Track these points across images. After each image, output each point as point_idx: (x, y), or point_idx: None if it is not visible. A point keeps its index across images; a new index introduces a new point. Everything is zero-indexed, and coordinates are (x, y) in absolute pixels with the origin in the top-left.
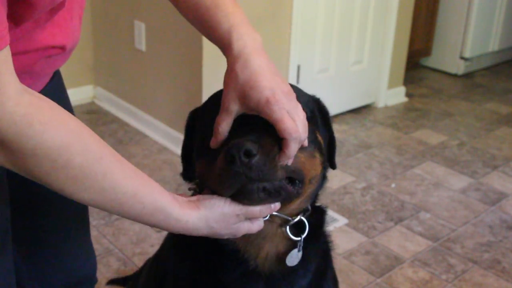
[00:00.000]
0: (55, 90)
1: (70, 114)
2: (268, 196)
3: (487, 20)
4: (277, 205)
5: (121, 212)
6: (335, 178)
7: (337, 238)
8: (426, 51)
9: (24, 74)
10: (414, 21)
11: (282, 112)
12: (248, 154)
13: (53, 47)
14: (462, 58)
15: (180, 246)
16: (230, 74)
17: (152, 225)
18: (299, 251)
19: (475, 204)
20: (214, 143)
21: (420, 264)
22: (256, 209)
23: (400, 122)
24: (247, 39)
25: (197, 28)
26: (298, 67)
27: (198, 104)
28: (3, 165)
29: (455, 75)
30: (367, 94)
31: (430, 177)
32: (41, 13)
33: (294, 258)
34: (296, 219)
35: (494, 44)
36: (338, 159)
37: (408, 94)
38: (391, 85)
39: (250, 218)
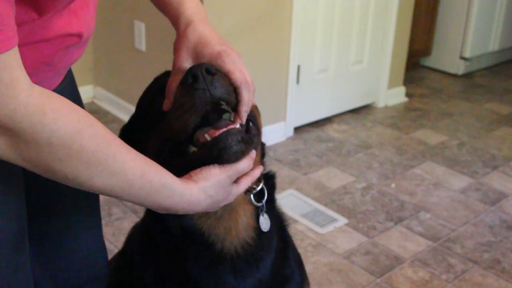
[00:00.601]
0: (69, 88)
1: (75, 104)
2: (243, 144)
3: (487, 20)
4: (254, 152)
5: (130, 194)
6: (335, 178)
7: (337, 238)
8: (426, 51)
9: (44, 65)
10: (414, 21)
11: (233, 65)
12: (209, 72)
13: (71, 35)
14: (462, 58)
15: (145, 250)
16: (182, 39)
17: (157, 204)
18: (263, 215)
19: (475, 204)
20: (167, 104)
21: (420, 264)
22: (241, 164)
23: (400, 122)
24: (196, 11)
25: (154, 2)
26: (298, 67)
27: None
28: (14, 161)
29: (455, 75)
30: (367, 94)
31: (430, 177)
32: (62, 4)
33: (264, 223)
34: (260, 186)
35: (494, 44)
36: (338, 159)
37: (408, 94)
38: (391, 85)
39: (237, 180)
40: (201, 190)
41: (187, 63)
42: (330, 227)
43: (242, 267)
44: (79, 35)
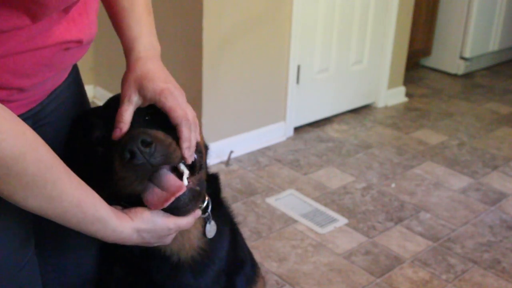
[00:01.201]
0: (72, 86)
1: (26, 124)
2: (193, 202)
3: (487, 20)
4: (198, 211)
5: (62, 220)
6: (335, 178)
7: (337, 238)
8: (426, 51)
9: (44, 67)
10: (414, 21)
11: (174, 102)
12: (145, 143)
13: (70, 41)
14: (462, 58)
15: (109, 259)
16: (130, 71)
17: (89, 234)
18: (209, 223)
19: (475, 204)
20: (118, 133)
21: (420, 264)
22: (183, 221)
23: (400, 122)
24: (149, 47)
25: (111, 21)
26: (298, 67)
27: (198, 105)
28: None
29: (455, 75)
30: (367, 94)
31: (430, 177)
32: (55, 12)
33: (211, 230)
34: (205, 203)
35: (494, 44)
36: (338, 159)
37: (408, 94)
38: (391, 85)
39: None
40: (134, 230)
41: (134, 95)
42: (330, 227)
43: (200, 268)
44: (79, 41)
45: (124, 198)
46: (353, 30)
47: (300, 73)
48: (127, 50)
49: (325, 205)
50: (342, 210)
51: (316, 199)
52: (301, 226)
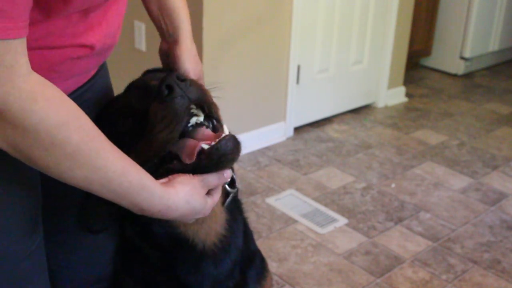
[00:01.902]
0: (98, 85)
1: (65, 95)
2: (236, 150)
3: (487, 20)
4: (229, 172)
5: (109, 191)
6: (335, 178)
7: (337, 238)
8: (426, 51)
9: (52, 73)
10: (414, 21)
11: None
12: (181, 79)
13: (82, 46)
14: (462, 58)
15: (128, 266)
16: (186, 49)
17: (135, 205)
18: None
19: (475, 204)
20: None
21: (420, 264)
22: (213, 177)
23: (400, 122)
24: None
25: (153, 15)
26: (298, 67)
27: None
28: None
29: (455, 75)
30: (367, 94)
31: (430, 177)
32: (74, 11)
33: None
34: (235, 190)
35: (494, 44)
36: (338, 159)
37: (408, 94)
38: (391, 85)
39: (210, 192)
40: (180, 195)
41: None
42: (330, 227)
43: (221, 257)
44: (92, 47)
45: (159, 156)
46: (353, 30)
47: (300, 73)
48: (175, 29)
49: (325, 205)
50: (342, 210)
51: (316, 199)
52: (301, 226)
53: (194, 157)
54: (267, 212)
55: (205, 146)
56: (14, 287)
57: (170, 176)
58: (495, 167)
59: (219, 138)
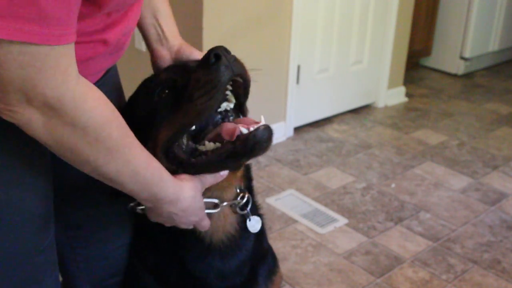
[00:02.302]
0: (105, 86)
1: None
2: (269, 141)
3: (487, 20)
4: (226, 172)
5: (134, 182)
6: (335, 178)
7: (337, 238)
8: (426, 51)
9: None
10: (414, 21)
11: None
12: (227, 52)
13: (98, 41)
14: (462, 58)
15: (142, 249)
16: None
17: (150, 195)
18: (249, 220)
19: (475, 204)
20: None
21: (420, 264)
22: (210, 177)
23: (400, 122)
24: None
25: (145, 22)
26: (298, 67)
27: None
28: (42, 139)
29: (455, 75)
30: (367, 94)
31: (430, 177)
32: (103, 13)
33: (255, 225)
34: (245, 199)
35: (494, 44)
36: (338, 159)
37: (408, 94)
38: (391, 85)
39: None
40: (188, 187)
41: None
42: (330, 227)
43: (228, 253)
44: (104, 42)
45: (199, 122)
46: (353, 30)
47: (300, 73)
48: (165, 44)
49: (325, 205)
50: (342, 210)
51: (316, 199)
52: (301, 226)
53: (234, 137)
54: (267, 212)
55: (244, 131)
56: (26, 282)
57: (183, 175)
58: (495, 167)
59: (258, 125)
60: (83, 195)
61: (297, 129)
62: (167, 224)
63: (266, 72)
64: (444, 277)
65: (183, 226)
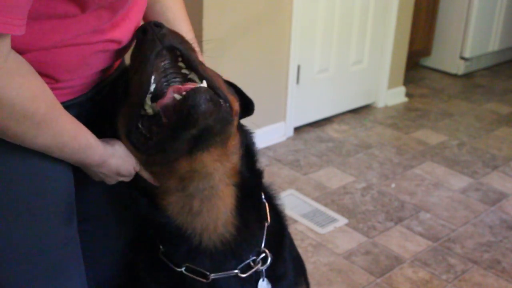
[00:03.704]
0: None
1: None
2: (212, 103)
3: (487, 20)
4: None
5: (62, 152)
6: (335, 178)
7: (337, 238)
8: (426, 51)
9: (85, 66)
10: (414, 21)
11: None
12: (158, 25)
13: (112, 41)
14: (462, 58)
15: (137, 249)
16: None
17: (78, 161)
18: (263, 280)
19: (475, 204)
20: None
21: (420, 264)
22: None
23: (400, 122)
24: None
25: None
26: (298, 67)
27: None
28: None
29: (455, 75)
30: (367, 94)
31: (430, 177)
32: (105, 3)
33: (263, 286)
34: (262, 255)
35: (494, 44)
36: (338, 159)
37: (408, 94)
38: (391, 85)
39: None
40: (111, 155)
41: None
42: (330, 227)
43: (221, 261)
44: (119, 42)
45: (139, 108)
46: (353, 30)
47: (300, 73)
48: None
49: (325, 205)
50: (342, 210)
51: (316, 199)
52: (301, 226)
53: (172, 114)
54: None
55: (178, 97)
56: (51, 275)
57: (113, 139)
58: (495, 167)
59: (189, 88)
60: (85, 189)
61: (297, 129)
62: (108, 182)
63: (266, 72)
64: (444, 277)
65: (112, 182)
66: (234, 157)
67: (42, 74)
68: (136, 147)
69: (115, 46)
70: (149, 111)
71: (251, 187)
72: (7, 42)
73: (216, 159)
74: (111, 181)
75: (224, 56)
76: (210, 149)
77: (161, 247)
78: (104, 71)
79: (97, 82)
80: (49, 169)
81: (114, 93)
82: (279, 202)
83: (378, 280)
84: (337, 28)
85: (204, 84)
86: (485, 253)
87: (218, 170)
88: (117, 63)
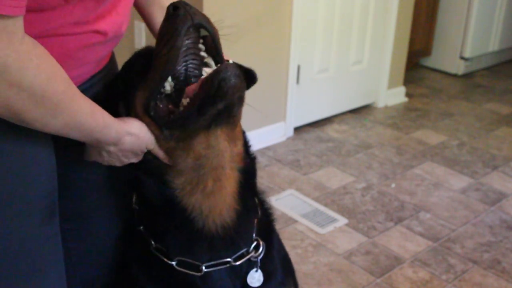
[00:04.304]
0: (109, 76)
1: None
2: (239, 79)
3: (487, 20)
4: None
5: (79, 132)
6: (335, 178)
7: (337, 238)
8: (426, 51)
9: (69, 59)
10: (414, 21)
11: None
12: (188, 5)
13: (97, 32)
14: (462, 58)
15: (130, 242)
16: None
17: (94, 140)
18: (256, 271)
19: (475, 204)
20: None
21: (420, 264)
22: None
23: (400, 122)
24: None
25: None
26: (298, 67)
27: None
28: None
29: (455, 75)
30: (367, 94)
31: (430, 177)
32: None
33: (255, 278)
34: (260, 250)
35: (494, 44)
36: (338, 159)
37: (408, 94)
38: (391, 85)
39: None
40: (127, 132)
41: None
42: (330, 227)
43: (220, 248)
44: (104, 34)
45: (164, 80)
46: (353, 30)
47: (300, 73)
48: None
49: (325, 205)
50: (342, 210)
51: (316, 199)
52: (301, 226)
53: (200, 84)
54: None
55: (208, 71)
56: (30, 271)
57: (129, 118)
58: (495, 167)
59: (220, 65)
60: (71, 186)
61: (297, 129)
62: (104, 163)
63: (266, 72)
64: (444, 277)
65: (117, 164)
66: (238, 143)
67: None
68: (156, 121)
69: (100, 38)
70: (167, 88)
71: (250, 173)
72: (20, 24)
73: (226, 139)
74: (119, 163)
75: (224, 56)
76: (223, 128)
77: (152, 242)
78: (93, 65)
79: (83, 80)
80: (31, 152)
81: (129, 72)
82: (266, 198)
83: (378, 280)
84: (337, 28)
85: (231, 61)
86: (485, 253)
87: (227, 151)
88: (107, 58)
